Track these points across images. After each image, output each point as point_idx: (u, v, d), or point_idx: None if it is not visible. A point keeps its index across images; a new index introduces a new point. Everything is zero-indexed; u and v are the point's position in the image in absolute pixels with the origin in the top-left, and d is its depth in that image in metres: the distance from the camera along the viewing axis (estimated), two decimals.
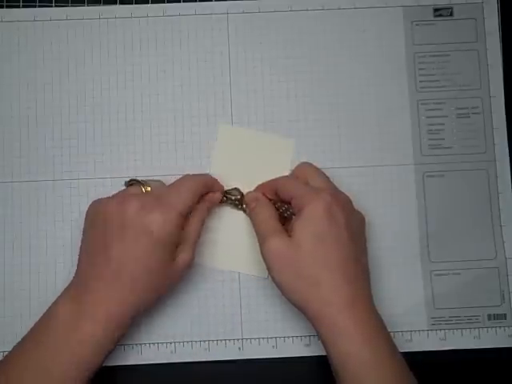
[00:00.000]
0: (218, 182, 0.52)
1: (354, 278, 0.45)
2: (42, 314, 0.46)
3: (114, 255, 0.44)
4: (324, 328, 0.44)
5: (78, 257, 0.48)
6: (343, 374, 0.43)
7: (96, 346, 0.44)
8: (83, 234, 0.48)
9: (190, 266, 0.49)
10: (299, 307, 0.46)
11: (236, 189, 0.52)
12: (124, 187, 0.50)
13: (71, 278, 0.48)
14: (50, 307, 0.46)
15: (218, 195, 0.51)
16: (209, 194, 0.50)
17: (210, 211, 0.51)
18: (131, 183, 0.50)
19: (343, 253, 0.45)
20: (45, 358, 0.44)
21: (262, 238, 0.47)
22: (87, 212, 0.48)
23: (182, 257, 0.47)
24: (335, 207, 0.46)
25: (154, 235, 0.45)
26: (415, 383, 0.44)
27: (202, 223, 0.50)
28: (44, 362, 0.44)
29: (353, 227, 0.47)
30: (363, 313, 0.44)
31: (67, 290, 0.47)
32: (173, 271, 0.47)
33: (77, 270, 0.47)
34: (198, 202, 0.49)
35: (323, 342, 0.45)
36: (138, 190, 0.48)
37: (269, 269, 0.46)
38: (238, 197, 0.52)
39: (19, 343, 0.45)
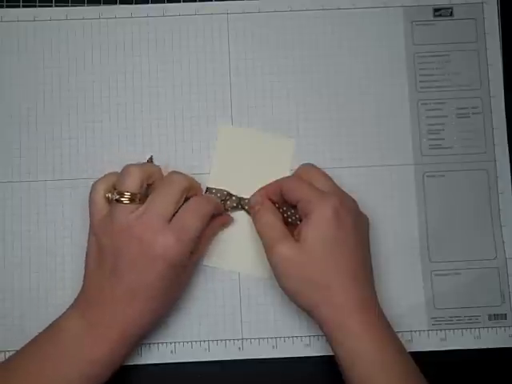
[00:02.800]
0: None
1: (362, 281, 0.46)
2: (43, 317, 0.46)
3: (127, 279, 0.44)
4: (333, 330, 0.44)
5: (83, 267, 0.47)
6: (352, 375, 0.44)
7: (104, 365, 0.44)
8: (89, 244, 0.47)
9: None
10: (308, 311, 0.46)
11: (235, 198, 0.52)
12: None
13: (70, 278, 0.48)
14: (56, 320, 0.45)
15: (228, 219, 0.51)
16: (218, 218, 0.50)
17: (216, 234, 0.51)
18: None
19: (352, 256, 0.45)
20: (50, 371, 0.43)
21: (268, 244, 0.46)
22: (92, 223, 0.47)
23: (185, 279, 0.49)
24: (343, 211, 0.45)
25: (168, 260, 0.44)
26: (425, 383, 0.44)
27: (208, 246, 0.51)
28: (48, 375, 0.43)
29: (360, 230, 0.47)
30: (372, 314, 0.45)
31: (75, 305, 0.46)
32: (178, 292, 0.49)
33: (84, 286, 0.46)
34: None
35: (331, 344, 0.45)
36: (132, 207, 0.45)
37: (277, 274, 0.46)
38: (239, 198, 0.51)
39: (21, 352, 0.45)
